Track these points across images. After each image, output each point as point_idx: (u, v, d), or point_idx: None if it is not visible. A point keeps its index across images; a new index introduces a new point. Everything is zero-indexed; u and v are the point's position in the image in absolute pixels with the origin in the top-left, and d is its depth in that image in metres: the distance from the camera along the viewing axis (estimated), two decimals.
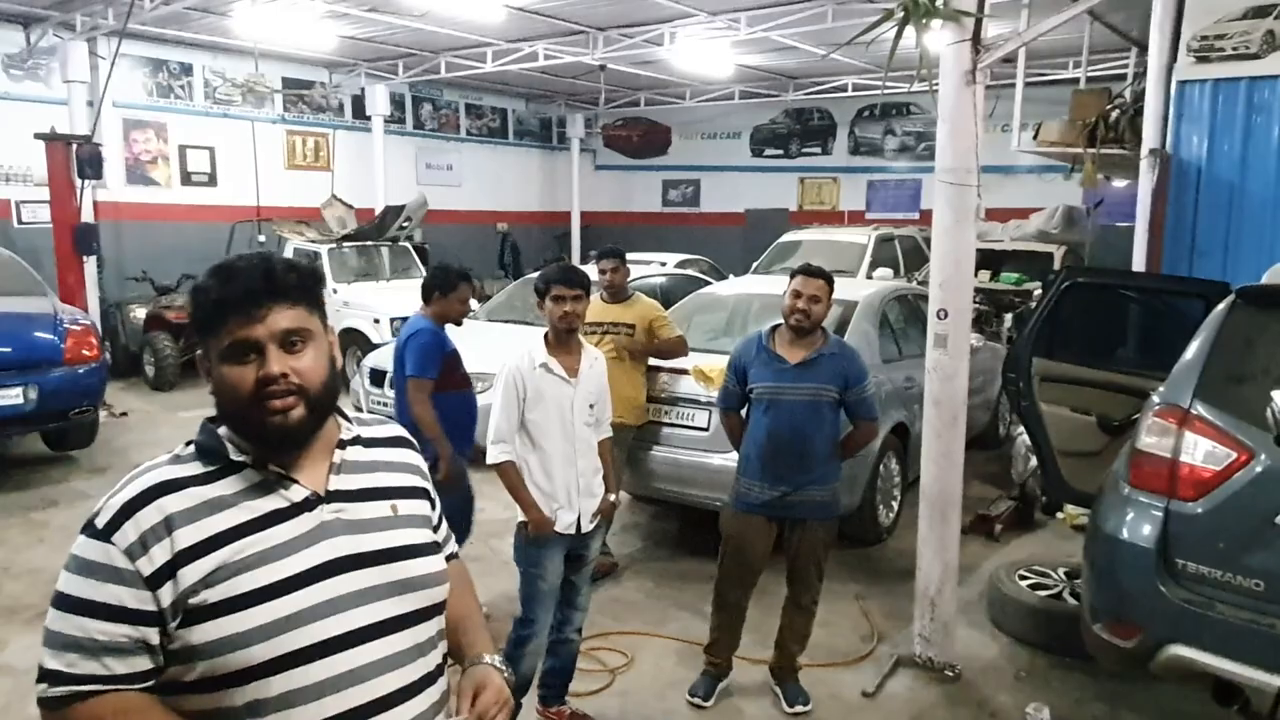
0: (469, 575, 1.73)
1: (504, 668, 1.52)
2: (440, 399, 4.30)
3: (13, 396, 6.38)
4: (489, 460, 3.37)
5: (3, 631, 4.47)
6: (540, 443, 3.37)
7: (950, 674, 4.08)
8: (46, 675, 1.28)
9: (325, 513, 1.38)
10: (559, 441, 3.37)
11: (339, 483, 1.42)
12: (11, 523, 5.98)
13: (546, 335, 3.46)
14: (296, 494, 1.37)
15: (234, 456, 1.36)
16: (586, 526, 3.45)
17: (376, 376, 7.36)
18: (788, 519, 3.74)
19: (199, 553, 1.28)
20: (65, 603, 1.28)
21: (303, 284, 1.38)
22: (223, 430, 1.39)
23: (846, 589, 4.96)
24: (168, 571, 1.27)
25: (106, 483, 6.67)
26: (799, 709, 3.80)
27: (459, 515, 4.42)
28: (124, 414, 8.85)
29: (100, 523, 1.30)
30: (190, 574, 1.27)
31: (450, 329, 4.50)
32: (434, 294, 4.44)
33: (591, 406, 3.45)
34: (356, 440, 1.48)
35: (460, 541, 4.34)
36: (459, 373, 4.47)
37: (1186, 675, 3.01)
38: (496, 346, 7.40)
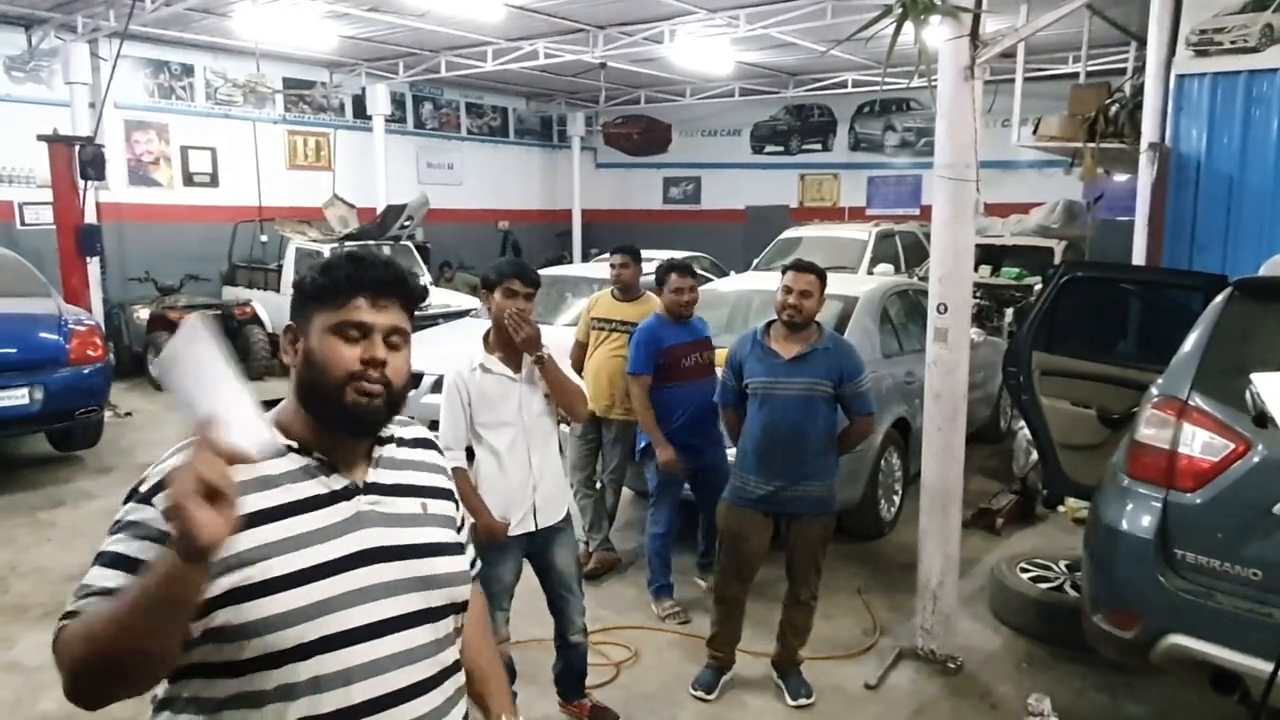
0: (485, 610, 1.82)
1: None
2: (663, 391, 4.49)
3: (18, 397, 6.41)
4: None
5: (11, 629, 4.51)
6: (492, 444, 3.26)
7: (952, 666, 4.11)
8: (65, 616, 1.27)
9: (362, 503, 1.43)
10: (511, 440, 3.26)
11: (376, 476, 1.46)
12: (18, 522, 6.01)
13: (486, 334, 3.33)
14: (336, 482, 1.42)
15: (280, 440, 1.39)
16: (543, 522, 3.34)
17: None
18: (784, 514, 3.77)
19: (239, 526, 1.30)
20: (99, 559, 1.30)
21: (415, 295, 1.48)
22: (269, 414, 1.42)
23: (848, 582, 4.99)
24: None
25: (112, 482, 6.70)
26: (802, 701, 3.82)
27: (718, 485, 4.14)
28: (128, 414, 8.88)
29: (145, 488, 1.33)
30: (225, 547, 1.29)
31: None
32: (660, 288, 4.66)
33: (546, 396, 3.32)
34: (392, 438, 1.53)
35: (713, 499, 4.18)
36: (681, 366, 4.53)
37: (1186, 664, 3.03)
38: None
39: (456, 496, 1.63)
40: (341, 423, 1.41)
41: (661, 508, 4.65)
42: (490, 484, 3.27)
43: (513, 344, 3.23)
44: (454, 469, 3.21)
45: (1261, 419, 2.79)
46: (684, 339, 4.59)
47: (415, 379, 7.43)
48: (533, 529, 3.32)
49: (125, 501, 1.36)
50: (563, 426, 3.76)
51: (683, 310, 4.59)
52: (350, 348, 1.39)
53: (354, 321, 1.40)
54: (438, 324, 9.25)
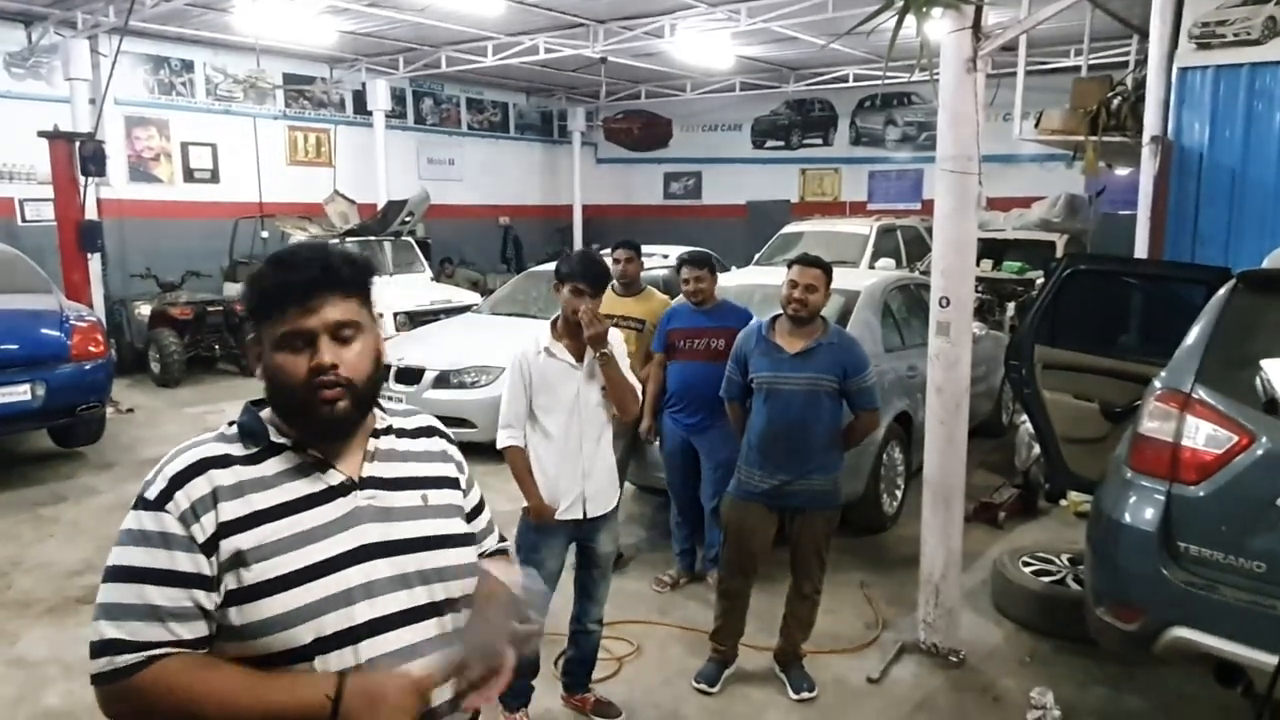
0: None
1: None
2: (669, 366, 4.88)
3: (20, 393, 6.41)
4: (497, 445, 3.39)
5: (15, 625, 4.50)
6: (547, 427, 3.35)
7: (955, 659, 4.11)
8: (108, 646, 1.28)
9: (359, 498, 1.41)
10: (565, 426, 3.34)
11: (373, 470, 1.45)
12: (21, 518, 6.01)
13: (554, 321, 3.43)
14: (333, 478, 1.41)
15: (275, 439, 1.39)
16: (592, 512, 3.41)
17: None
18: (788, 508, 3.76)
19: (240, 527, 1.32)
20: (122, 574, 1.30)
21: (357, 277, 1.41)
22: (264, 413, 1.42)
23: (851, 576, 4.98)
24: (214, 541, 1.31)
25: (114, 478, 6.71)
26: (804, 695, 3.82)
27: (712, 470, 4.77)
28: (130, 410, 8.88)
29: (151, 494, 1.33)
30: (229, 547, 1.31)
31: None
32: None
33: (604, 389, 3.40)
34: (390, 430, 1.51)
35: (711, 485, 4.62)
36: (678, 347, 4.84)
37: (1189, 657, 3.03)
38: (500, 340, 7.44)
39: (465, 484, 1.60)
40: (315, 432, 1.40)
41: (671, 491, 5.06)
42: (540, 467, 3.36)
43: (577, 334, 3.33)
44: (512, 448, 3.33)
45: (1273, 405, 2.79)
46: (691, 324, 4.84)
47: (417, 374, 7.43)
48: (580, 517, 3.39)
49: (133, 506, 1.36)
50: None
51: (693, 298, 4.85)
52: (297, 359, 1.35)
53: (293, 331, 1.35)
54: (439, 319, 9.26)
